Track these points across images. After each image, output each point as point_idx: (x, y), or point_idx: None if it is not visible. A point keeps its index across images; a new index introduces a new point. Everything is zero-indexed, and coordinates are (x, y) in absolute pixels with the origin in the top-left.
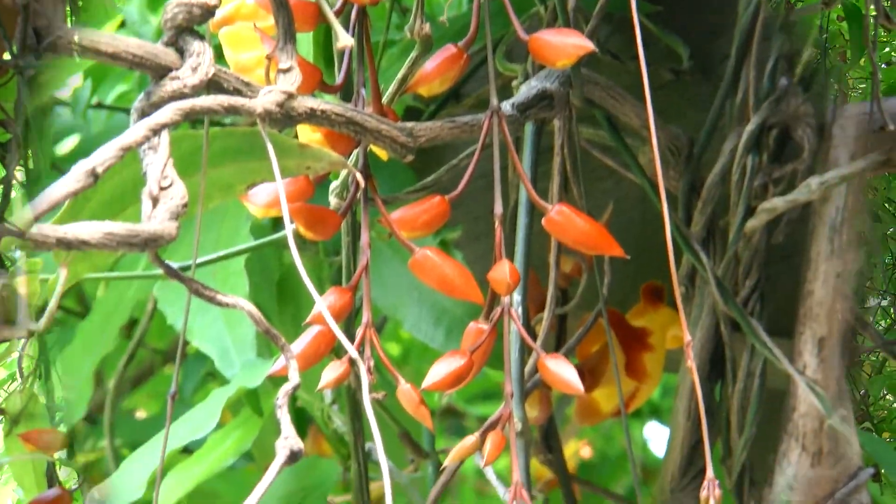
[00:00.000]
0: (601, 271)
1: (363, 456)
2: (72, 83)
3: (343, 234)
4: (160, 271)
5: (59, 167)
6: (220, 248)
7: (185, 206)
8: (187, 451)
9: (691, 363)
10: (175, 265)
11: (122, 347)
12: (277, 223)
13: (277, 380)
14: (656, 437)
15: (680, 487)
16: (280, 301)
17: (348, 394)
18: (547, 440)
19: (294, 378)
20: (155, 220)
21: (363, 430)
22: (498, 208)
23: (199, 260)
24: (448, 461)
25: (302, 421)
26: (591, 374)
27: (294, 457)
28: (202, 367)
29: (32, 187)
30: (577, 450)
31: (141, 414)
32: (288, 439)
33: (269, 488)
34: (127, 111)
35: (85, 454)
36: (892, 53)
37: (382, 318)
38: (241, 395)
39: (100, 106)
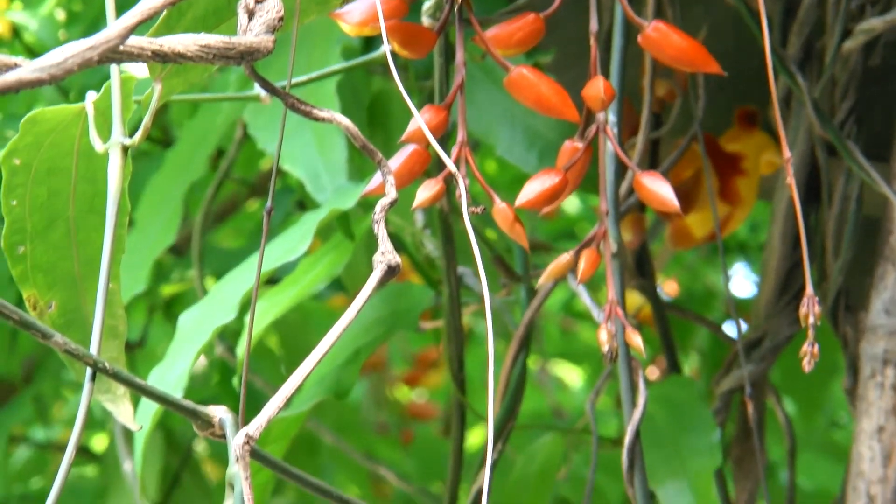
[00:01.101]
0: (695, 94)
1: (455, 280)
2: None
3: (435, 55)
4: (250, 93)
5: None
6: (311, 70)
7: (280, 19)
8: (273, 283)
9: (791, 180)
10: None
11: (208, 180)
12: (368, 46)
13: (368, 206)
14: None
15: (775, 312)
16: (370, 127)
17: (440, 217)
18: (640, 265)
19: (391, 193)
20: (251, 32)
21: (455, 254)
22: (594, 25)
23: (293, 80)
24: (542, 280)
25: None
26: (684, 198)
27: (391, 271)
28: (289, 200)
29: None
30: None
31: None
32: (385, 254)
33: (360, 312)
34: None
35: (172, 285)
36: None
37: (475, 143)
38: (332, 220)
39: None
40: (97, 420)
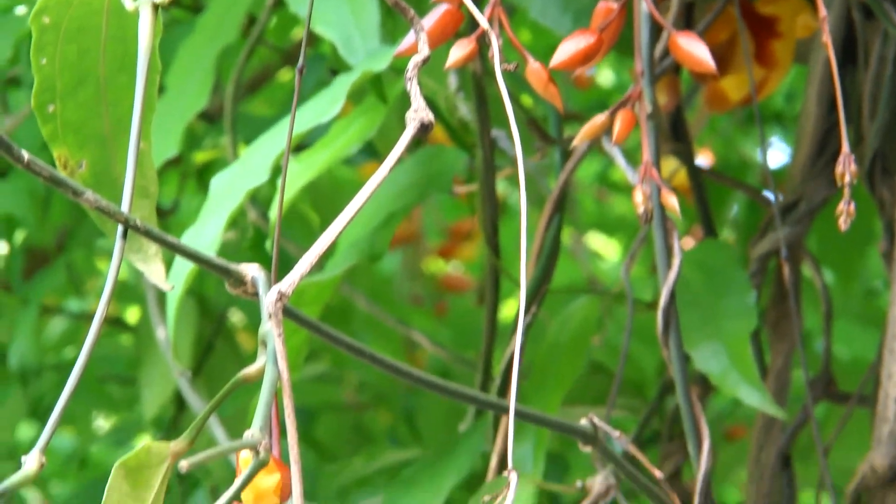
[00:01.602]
0: None
1: (489, 142)
2: None
3: None
4: None
5: None
6: None
7: None
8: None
9: (827, 38)
10: None
11: (240, 47)
12: None
13: (400, 70)
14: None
15: (811, 176)
16: None
17: (474, 80)
18: (675, 129)
19: (423, 50)
20: None
21: (489, 117)
22: None
23: None
24: (577, 141)
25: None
26: (720, 61)
27: (424, 128)
28: (322, 68)
29: None
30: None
31: None
32: (418, 111)
33: (393, 176)
34: None
35: (204, 152)
36: None
37: (509, 9)
38: (364, 83)
39: None
40: (130, 291)
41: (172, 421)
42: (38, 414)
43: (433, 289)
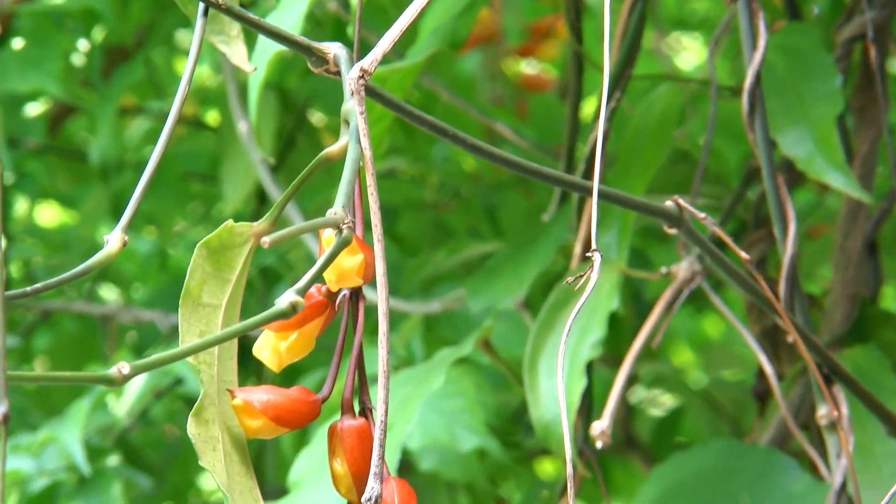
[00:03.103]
0: None
1: None
2: None
3: None
4: None
5: None
6: None
7: None
8: None
9: None
10: None
11: None
12: None
13: None
14: None
15: None
16: None
17: None
18: None
19: None
20: None
21: None
22: None
23: None
24: None
25: None
26: None
27: None
28: None
29: None
30: None
31: None
32: None
33: None
34: None
35: None
36: None
37: None
38: None
39: None
40: (212, 94)
41: (254, 215)
42: (120, 212)
43: (514, 90)
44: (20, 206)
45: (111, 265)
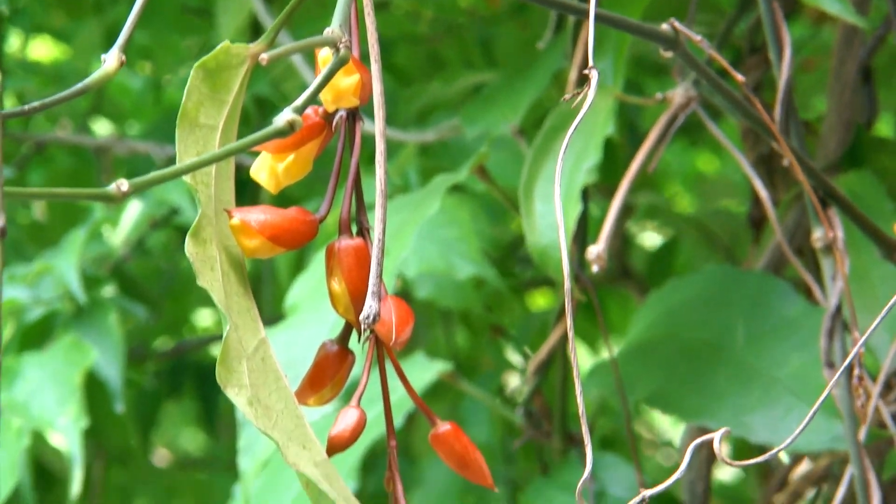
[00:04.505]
0: None
1: None
2: None
3: None
4: None
5: None
6: None
7: None
8: None
9: None
10: None
11: None
12: None
13: None
14: None
15: None
16: None
17: None
18: None
19: None
20: None
21: None
22: None
23: None
24: None
25: None
26: None
27: None
28: None
29: None
30: None
31: None
32: None
33: None
34: None
35: None
36: None
37: None
38: None
39: None
40: None
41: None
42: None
43: None
44: (14, 40)
45: (106, 98)
